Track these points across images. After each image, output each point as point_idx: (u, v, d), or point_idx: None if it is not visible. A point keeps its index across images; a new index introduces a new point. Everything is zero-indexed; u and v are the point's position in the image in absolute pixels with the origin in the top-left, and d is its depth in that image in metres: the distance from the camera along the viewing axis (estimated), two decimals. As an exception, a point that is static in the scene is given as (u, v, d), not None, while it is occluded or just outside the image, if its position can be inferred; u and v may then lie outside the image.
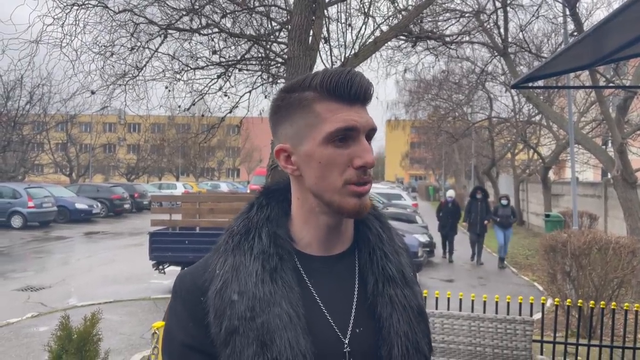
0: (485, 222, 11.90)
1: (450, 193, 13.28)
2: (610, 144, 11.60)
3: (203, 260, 1.02)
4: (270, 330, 0.90)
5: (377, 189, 21.47)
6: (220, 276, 0.95)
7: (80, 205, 21.61)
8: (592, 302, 4.55)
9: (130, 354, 5.87)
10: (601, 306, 4.25)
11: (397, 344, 0.97)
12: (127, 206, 25.45)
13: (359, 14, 5.87)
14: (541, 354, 4.05)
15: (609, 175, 9.42)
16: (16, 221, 18.77)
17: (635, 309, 4.04)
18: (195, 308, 0.95)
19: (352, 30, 5.48)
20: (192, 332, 0.95)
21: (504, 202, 12.01)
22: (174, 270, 9.42)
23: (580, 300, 4.50)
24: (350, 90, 0.95)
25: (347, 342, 0.96)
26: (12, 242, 15.26)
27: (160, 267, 9.25)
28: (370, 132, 0.97)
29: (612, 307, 4.15)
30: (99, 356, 3.35)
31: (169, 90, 6.07)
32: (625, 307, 4.13)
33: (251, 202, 1.05)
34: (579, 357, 4.26)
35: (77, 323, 3.60)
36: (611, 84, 10.74)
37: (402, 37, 6.68)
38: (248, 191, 23.97)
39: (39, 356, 5.70)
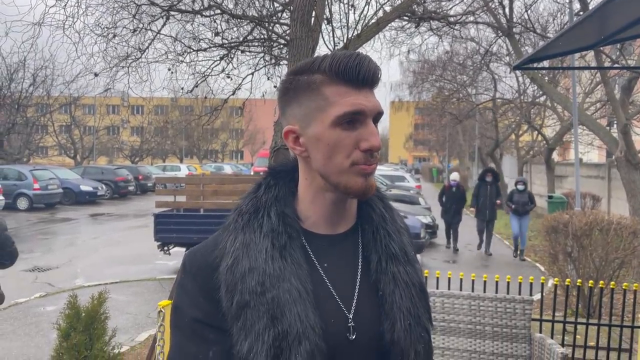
0: (498, 201, 10.89)
1: (454, 176, 12.05)
2: (614, 125, 11.50)
3: (212, 239, 1.05)
4: (281, 305, 0.93)
5: (380, 170, 21.48)
6: (231, 253, 0.98)
7: (85, 187, 21.76)
8: (591, 281, 4.59)
9: (137, 333, 5.98)
10: (600, 286, 4.30)
11: (399, 318, 1.00)
12: (131, 188, 25.61)
13: (362, -6, 5.83)
14: (540, 332, 4.11)
15: (613, 157, 9.40)
16: (22, 203, 18.92)
17: (635, 288, 4.09)
18: (206, 284, 0.99)
19: (354, 10, 5.46)
20: (202, 307, 0.99)
21: (520, 187, 10.75)
22: (178, 251, 9.54)
23: (579, 280, 4.55)
24: (359, 74, 0.96)
25: (351, 316, 0.99)
26: (18, 223, 15.41)
27: (165, 248, 9.38)
28: (377, 116, 1.00)
29: (612, 286, 4.20)
30: (107, 334, 3.43)
31: (172, 73, 6.08)
32: (624, 287, 4.18)
33: (259, 182, 1.08)
34: (577, 336, 4.32)
35: (85, 302, 3.67)
36: (616, 65, 10.65)
37: (405, 17, 6.62)
38: (252, 173, 24.03)
39: (48, 334, 5.83)
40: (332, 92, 0.97)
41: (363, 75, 0.97)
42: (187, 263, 1.04)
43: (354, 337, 0.98)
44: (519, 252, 10.82)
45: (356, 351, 0.98)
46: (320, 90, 0.98)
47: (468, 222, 13.14)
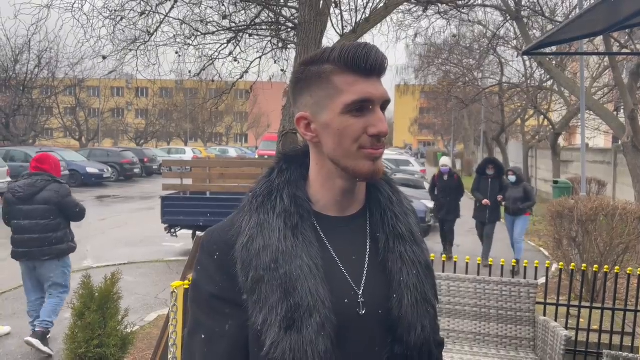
0: (499, 197, 8.48)
1: (445, 161, 9.42)
2: (622, 110, 11.42)
3: (228, 219, 1.11)
4: (293, 280, 0.99)
5: (385, 155, 21.44)
6: (246, 232, 1.04)
7: (92, 169, 21.86)
8: (595, 266, 4.63)
9: (147, 313, 6.08)
10: (605, 270, 4.34)
11: (406, 294, 1.06)
12: (137, 170, 25.70)
13: (370, -22, 5.78)
14: (544, 315, 4.17)
15: (620, 142, 9.36)
16: (29, 185, 19.01)
17: (638, 273, 4.13)
18: (223, 261, 1.05)
19: (363, -6, 5.42)
20: (219, 283, 1.05)
21: (511, 178, 8.46)
22: (185, 234, 9.63)
23: (584, 265, 4.59)
24: (367, 63, 1.02)
25: (360, 293, 1.05)
26: (26, 205, 15.51)
27: (172, 230, 9.46)
28: (385, 104, 1.05)
29: (616, 271, 4.24)
30: (119, 314, 3.51)
31: (180, 56, 6.08)
32: (628, 272, 4.22)
33: (272, 167, 1.14)
34: (580, 319, 4.38)
35: (95, 283, 3.75)
36: (625, 50, 10.56)
37: (413, 0, 6.60)
38: (256, 156, 24.08)
39: (60, 314, 5.93)
40: (341, 81, 1.02)
41: (371, 65, 1.02)
42: (205, 242, 1.10)
43: (363, 312, 1.04)
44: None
45: (366, 325, 1.04)
46: (330, 80, 1.03)
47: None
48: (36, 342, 4.66)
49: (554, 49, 9.72)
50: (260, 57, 6.03)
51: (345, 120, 1.02)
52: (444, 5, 7.29)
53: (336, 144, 1.03)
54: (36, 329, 4.80)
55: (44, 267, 4.81)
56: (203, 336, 1.06)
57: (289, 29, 5.54)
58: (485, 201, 8.51)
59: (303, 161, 1.13)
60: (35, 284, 4.96)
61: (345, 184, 1.08)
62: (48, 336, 4.83)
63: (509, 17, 11.61)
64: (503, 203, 8.54)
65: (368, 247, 1.10)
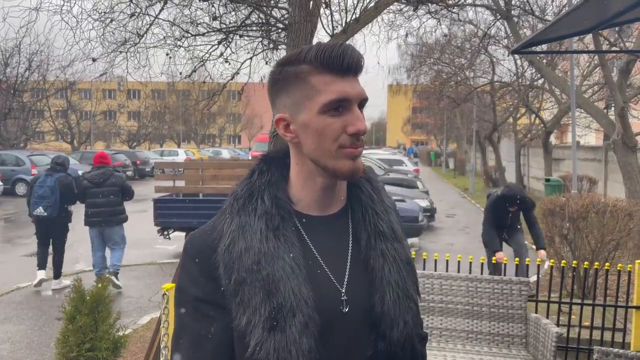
0: (541, 253, 5.87)
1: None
2: (612, 108, 11.49)
3: (210, 222, 1.12)
4: (275, 280, 1.00)
5: (378, 154, 21.50)
6: (228, 234, 1.05)
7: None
8: (586, 263, 4.66)
9: (140, 316, 6.06)
10: (595, 267, 4.37)
11: (388, 291, 1.07)
12: (129, 173, 25.55)
13: (360, -22, 5.78)
14: (536, 312, 4.19)
15: (610, 140, 9.43)
16: (20, 188, 18.90)
17: (629, 269, 4.16)
18: (206, 264, 1.05)
19: (353, -6, 5.41)
20: (203, 286, 1.05)
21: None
22: (178, 236, 9.59)
23: (575, 262, 4.62)
24: (343, 62, 1.02)
25: (343, 291, 1.06)
26: (17, 208, 15.43)
27: (165, 232, 9.43)
28: (362, 102, 1.06)
29: (607, 267, 4.27)
30: (111, 317, 3.49)
31: (170, 57, 6.05)
32: (619, 268, 4.25)
33: (252, 168, 1.15)
34: (572, 316, 4.40)
35: (87, 286, 3.73)
36: (614, 48, 10.63)
37: (403, 0, 6.60)
38: (250, 158, 24.05)
39: (51, 318, 5.90)
40: (318, 81, 1.03)
41: (347, 64, 1.02)
42: (188, 245, 1.10)
43: (347, 309, 1.05)
44: None
45: (349, 323, 1.05)
46: (307, 80, 1.03)
47: (461, 204, 12.43)
48: (113, 278, 6.81)
49: (544, 47, 9.78)
50: (251, 58, 6.00)
51: (323, 120, 1.03)
52: (435, 4, 7.29)
53: (316, 143, 1.04)
54: (110, 270, 6.99)
55: (111, 230, 6.98)
56: (189, 339, 1.06)
57: (280, 30, 5.52)
58: (499, 256, 5.42)
59: (283, 162, 1.14)
60: (100, 244, 7.06)
61: (325, 182, 1.08)
62: (118, 275, 7.08)
63: (499, 17, 11.66)
64: (544, 261, 5.87)
65: (350, 245, 1.11)
